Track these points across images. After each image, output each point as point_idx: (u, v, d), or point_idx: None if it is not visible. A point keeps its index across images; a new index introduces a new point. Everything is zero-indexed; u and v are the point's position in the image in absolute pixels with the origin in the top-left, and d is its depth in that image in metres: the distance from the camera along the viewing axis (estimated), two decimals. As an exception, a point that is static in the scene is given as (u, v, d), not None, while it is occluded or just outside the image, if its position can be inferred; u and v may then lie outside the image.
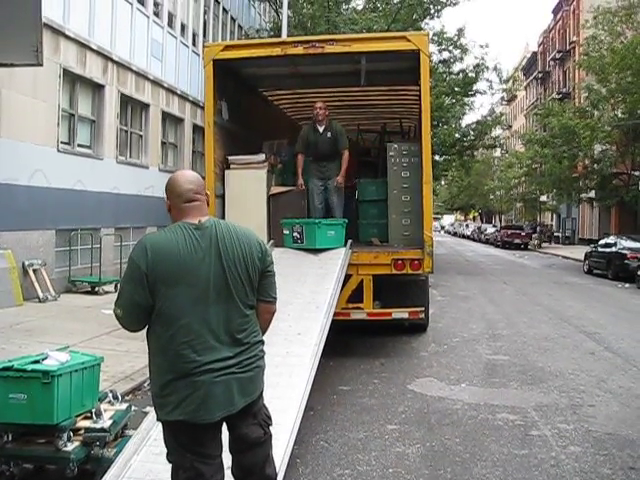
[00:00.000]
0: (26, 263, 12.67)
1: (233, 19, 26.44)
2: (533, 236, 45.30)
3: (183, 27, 21.30)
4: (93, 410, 4.65)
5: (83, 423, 4.55)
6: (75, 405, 4.46)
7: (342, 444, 5.51)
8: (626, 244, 22.13)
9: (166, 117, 19.94)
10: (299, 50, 8.70)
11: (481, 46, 34.12)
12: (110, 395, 5.06)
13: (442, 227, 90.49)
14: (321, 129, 9.25)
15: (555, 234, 48.54)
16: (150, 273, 2.92)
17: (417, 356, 8.94)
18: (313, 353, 5.63)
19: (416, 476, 4.86)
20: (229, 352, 2.99)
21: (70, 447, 4.37)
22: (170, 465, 3.14)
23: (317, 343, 5.81)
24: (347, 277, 8.10)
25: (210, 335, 2.96)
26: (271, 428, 3.28)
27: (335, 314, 6.94)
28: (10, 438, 4.42)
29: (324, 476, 4.84)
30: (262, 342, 3.20)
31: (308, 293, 6.93)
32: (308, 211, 9.26)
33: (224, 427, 3.15)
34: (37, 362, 4.45)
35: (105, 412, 4.72)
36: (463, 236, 66.81)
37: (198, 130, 21.62)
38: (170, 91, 19.96)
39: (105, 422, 4.57)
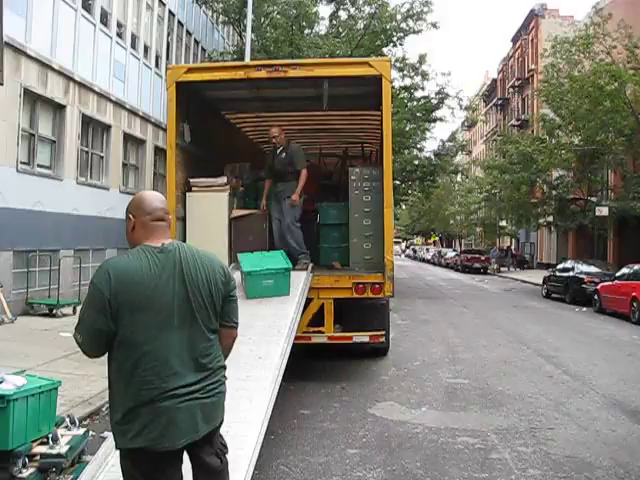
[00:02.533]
0: (-18, 285, 12.43)
1: (197, 42, 26.51)
2: (493, 260, 45.75)
3: (146, 49, 21.29)
4: (50, 435, 4.59)
5: (39, 449, 4.47)
6: (31, 430, 4.39)
7: (303, 469, 5.49)
8: (583, 268, 22.54)
9: (128, 138, 19.83)
10: (262, 74, 8.74)
11: (443, 74, 34.66)
12: (67, 420, 4.98)
13: (403, 251, 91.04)
14: (279, 151, 9.30)
15: (520, 258, 48.62)
16: (113, 299, 2.84)
17: (378, 380, 8.96)
18: (274, 377, 5.60)
19: (376, 501, 4.86)
20: (193, 378, 2.94)
21: (25, 473, 4.31)
22: None
23: (278, 367, 5.78)
24: (308, 301, 8.10)
25: (175, 361, 2.90)
26: (227, 456, 3.26)
27: (296, 338, 6.90)
28: (-37, 465, 4.32)
29: (284, 502, 4.81)
30: (224, 367, 3.16)
31: (269, 316, 6.90)
32: (270, 234, 9.28)
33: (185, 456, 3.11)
34: (-8, 386, 4.37)
35: (62, 437, 4.65)
36: (423, 260, 67.30)
37: (160, 152, 21.52)
38: (132, 112, 19.89)
39: (62, 447, 4.50)
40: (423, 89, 27.66)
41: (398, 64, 25.96)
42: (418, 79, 27.12)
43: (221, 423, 3.16)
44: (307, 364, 9.26)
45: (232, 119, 11.75)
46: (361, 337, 8.78)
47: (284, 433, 6.36)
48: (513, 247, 51.97)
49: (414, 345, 12.07)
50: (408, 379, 9.07)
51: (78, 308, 14.11)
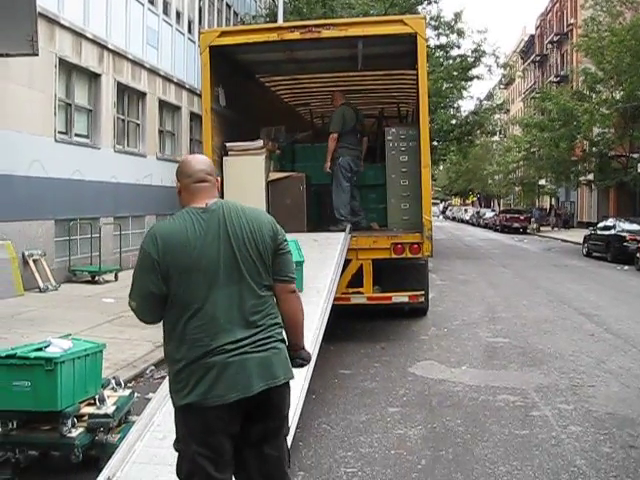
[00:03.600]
0: (26, 253, 12.69)
1: (229, 6, 26.31)
2: (533, 220, 45.07)
3: (178, 14, 21.20)
4: (96, 396, 4.68)
5: (87, 409, 4.57)
6: (78, 392, 4.49)
7: (344, 427, 5.55)
8: (625, 226, 22.14)
9: (163, 105, 19.89)
10: (295, 35, 8.66)
11: (479, 31, 33.97)
12: (113, 382, 5.08)
13: (442, 212, 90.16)
14: None
15: (565, 217, 47.10)
16: (162, 261, 2.88)
17: (417, 339, 8.98)
18: (314, 337, 5.65)
19: (418, 457, 4.90)
20: (243, 334, 2.89)
21: (74, 433, 4.40)
22: (173, 450, 3.05)
23: (318, 327, 5.83)
24: (346, 262, 8.12)
25: (224, 318, 2.89)
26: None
27: (335, 299, 6.96)
28: (15, 425, 4.44)
29: (327, 458, 4.88)
30: (279, 325, 3.04)
31: (308, 278, 6.93)
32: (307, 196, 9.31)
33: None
34: (40, 350, 4.48)
35: (108, 398, 4.74)
36: (462, 221, 66.74)
37: (195, 118, 21.59)
38: (167, 79, 19.91)
39: (109, 408, 4.59)
40: (459, 47, 27.13)
41: (433, 22, 25.48)
42: (454, 37, 26.62)
43: (286, 386, 3.02)
44: (347, 325, 9.31)
45: (266, 82, 11.69)
46: (400, 297, 8.78)
47: (325, 392, 6.43)
48: (555, 206, 51.11)
49: (453, 305, 12.05)
50: (448, 338, 9.08)
51: (120, 275, 14.40)
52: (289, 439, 4.28)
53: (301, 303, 3.21)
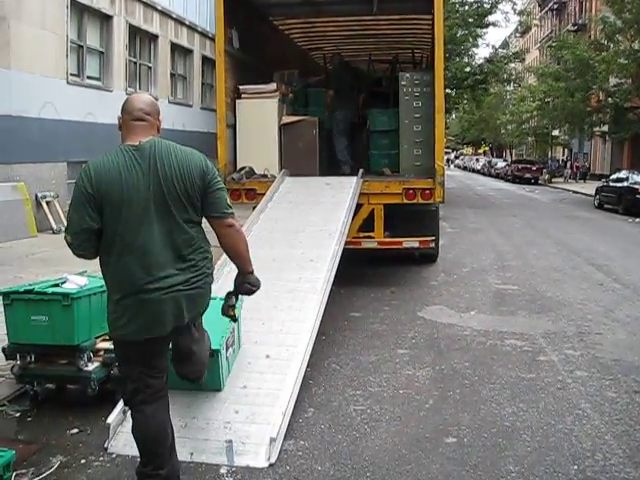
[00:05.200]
0: (39, 195, 12.78)
1: (241, -53, 25.75)
2: (545, 171, 44.63)
3: (191, -45, 20.83)
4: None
5: (102, 344, 4.67)
6: (94, 327, 4.58)
7: (353, 367, 5.65)
8: (638, 179, 21.90)
9: (175, 48, 19.69)
10: (310, -24, 8.53)
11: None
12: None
13: (455, 158, 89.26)
14: None
15: (583, 169, 46.19)
16: (96, 194, 3.01)
17: (427, 285, 9.06)
18: (325, 279, 5.72)
19: (426, 397, 4.99)
20: (174, 269, 3.11)
21: (91, 367, 4.52)
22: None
23: (329, 269, 5.90)
24: (358, 206, 8.12)
25: (155, 252, 3.07)
26: (209, 348, 3.80)
27: (346, 242, 7.01)
28: (33, 359, 4.57)
29: (336, 396, 4.98)
30: (209, 259, 3.29)
31: (320, 221, 6.98)
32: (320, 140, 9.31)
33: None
34: (57, 285, 4.57)
35: (123, 334, 4.84)
36: (473, 170, 66.29)
37: (207, 62, 21.37)
38: (179, 22, 19.66)
39: (124, 343, 4.69)
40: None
41: (449, -34, 24.93)
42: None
43: (204, 311, 3.43)
44: (357, 269, 9.38)
45: (280, 25, 11.53)
46: (411, 242, 8.81)
47: (335, 334, 6.52)
48: (570, 157, 50.51)
49: (463, 252, 12.08)
50: (457, 284, 9.14)
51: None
52: (300, 377, 4.42)
53: (242, 234, 3.41)
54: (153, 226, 3.06)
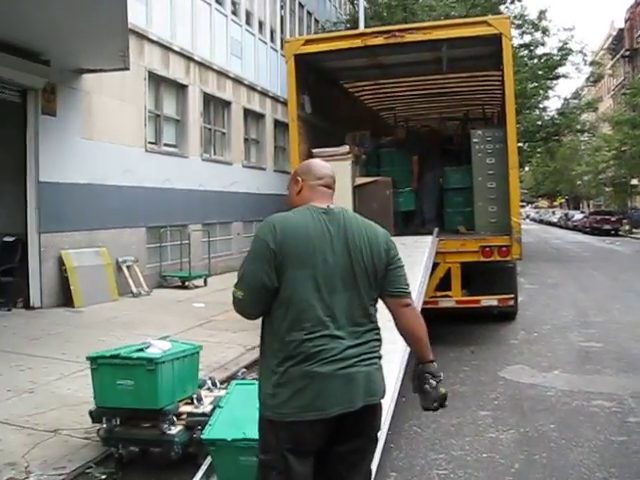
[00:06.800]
0: (120, 260, 13.16)
1: (309, 13, 26.59)
2: (625, 222, 43.40)
3: (261, 24, 21.58)
4: (194, 396, 4.85)
5: (185, 408, 4.74)
6: (177, 391, 4.67)
7: (435, 430, 5.54)
8: None
9: (248, 114, 20.26)
10: (379, 40, 8.72)
11: (565, 29, 33.12)
12: (209, 382, 5.24)
13: (527, 215, 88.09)
14: None
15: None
16: (278, 252, 2.74)
17: (507, 344, 8.86)
18: (404, 342, 5.65)
19: (511, 461, 4.85)
20: (349, 344, 2.76)
21: (174, 431, 4.58)
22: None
23: (408, 331, 5.84)
24: (434, 265, 8.09)
25: (331, 324, 2.74)
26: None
27: (424, 302, 6.95)
28: (118, 422, 4.67)
29: (418, 460, 4.89)
30: (380, 341, 2.92)
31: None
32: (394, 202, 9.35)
33: None
34: (141, 350, 4.68)
35: (205, 398, 4.90)
36: (549, 223, 65.08)
37: (279, 125, 21.91)
38: (251, 88, 20.28)
39: (206, 407, 4.74)
40: (544, 45, 26.58)
41: (516, 21, 25.05)
42: (538, 35, 26.10)
43: (379, 405, 2.89)
44: (435, 329, 9.18)
45: (350, 88, 11.79)
46: (489, 300, 8.68)
47: (415, 396, 6.36)
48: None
49: (543, 309, 11.80)
50: (538, 343, 8.91)
51: (208, 280, 14.72)
52: (381, 441, 4.34)
53: (419, 317, 3.05)
54: (334, 296, 2.77)
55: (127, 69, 11.84)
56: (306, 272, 2.76)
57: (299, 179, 3.02)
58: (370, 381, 2.78)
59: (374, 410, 2.85)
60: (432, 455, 4.99)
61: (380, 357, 2.90)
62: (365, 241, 2.87)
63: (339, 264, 2.80)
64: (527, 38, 26.36)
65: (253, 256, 2.83)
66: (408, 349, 5.49)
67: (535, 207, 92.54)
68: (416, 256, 7.68)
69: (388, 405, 4.69)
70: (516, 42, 24.98)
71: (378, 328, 2.91)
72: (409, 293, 3.03)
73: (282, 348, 2.75)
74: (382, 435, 4.46)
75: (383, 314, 6.22)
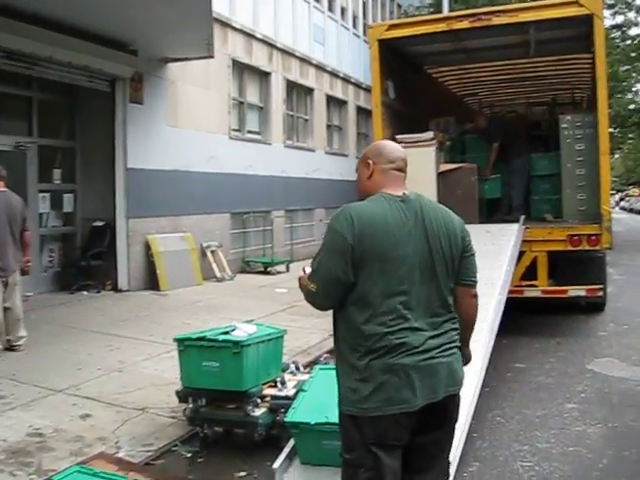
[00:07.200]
0: (204, 245, 13.44)
1: (392, -1, 26.35)
2: None
3: (343, 10, 21.51)
4: (278, 379, 4.91)
5: (269, 391, 4.82)
6: (262, 374, 4.74)
7: (519, 421, 5.44)
8: None
9: (330, 100, 20.29)
10: (465, 24, 8.55)
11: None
12: (292, 366, 5.30)
13: (617, 203, 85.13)
14: None
15: None
16: (356, 246, 2.62)
17: (595, 335, 8.58)
18: (489, 329, 5.58)
19: (599, 456, 4.71)
20: (429, 335, 2.69)
21: (258, 413, 4.66)
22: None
23: (493, 318, 5.76)
24: (520, 254, 7.92)
25: (411, 316, 2.66)
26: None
27: (509, 291, 6.83)
28: (204, 402, 4.78)
29: (502, 451, 4.81)
30: (458, 330, 2.84)
31: (481, 270, 6.81)
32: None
33: None
34: (227, 333, 4.76)
35: (289, 381, 4.96)
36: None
37: (361, 112, 21.86)
38: (333, 74, 20.28)
39: (289, 390, 4.80)
40: (637, 25, 25.50)
41: (609, 1, 24.12)
42: (631, 15, 25.04)
43: (459, 396, 2.84)
44: (519, 319, 9.06)
45: (434, 73, 11.63)
46: (577, 291, 8.44)
47: (499, 386, 6.32)
48: None
49: (634, 300, 11.33)
50: (628, 335, 8.58)
51: (291, 266, 14.85)
52: (465, 430, 4.30)
53: (478, 307, 3.04)
54: (414, 287, 2.68)
55: (212, 57, 12.04)
56: (385, 265, 2.65)
57: (370, 162, 2.89)
58: (451, 371, 2.73)
59: (454, 400, 2.80)
60: (516, 446, 4.90)
61: (459, 347, 2.83)
62: (443, 229, 2.78)
63: (418, 255, 2.70)
64: (620, 18, 25.38)
65: (328, 249, 2.73)
66: (492, 341, 5.47)
67: (625, 195, 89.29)
68: (502, 244, 7.54)
69: (472, 394, 4.64)
70: (608, 23, 24.10)
71: (455, 317, 2.84)
72: (477, 283, 2.97)
73: (362, 342, 2.66)
74: (465, 424, 4.42)
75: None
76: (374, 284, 2.65)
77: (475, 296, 2.98)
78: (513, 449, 4.85)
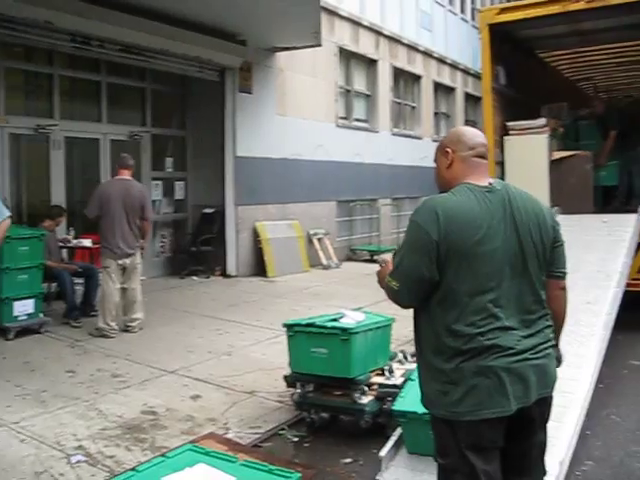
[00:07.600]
0: (311, 232, 13.60)
1: (503, -18, 25.64)
2: None
3: (451, -5, 21.17)
4: (385, 367, 4.92)
5: (376, 379, 4.83)
6: (369, 361, 4.76)
7: (636, 420, 5.24)
8: None
9: (438, 87, 20.03)
10: (580, 5, 8.19)
11: None
12: (400, 355, 5.29)
13: None
14: None
15: None
16: (442, 243, 2.48)
17: None
18: (604, 323, 5.39)
19: None
20: (521, 335, 2.54)
21: (365, 400, 4.68)
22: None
23: (609, 312, 5.56)
24: (639, 245, 7.57)
25: (501, 315, 2.51)
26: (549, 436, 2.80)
27: (626, 285, 6.56)
28: (311, 388, 4.86)
29: (617, 451, 4.64)
30: (552, 327, 2.69)
31: (596, 261, 6.60)
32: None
33: None
34: (335, 320, 4.81)
35: (396, 370, 4.96)
36: None
37: (469, 99, 21.47)
38: (440, 61, 19.99)
39: (397, 379, 4.80)
40: None
41: None
42: None
43: (551, 397, 2.71)
44: (636, 314, 8.66)
45: (546, 57, 11.22)
46: None
47: (613, 383, 6.08)
48: None
49: None
50: None
51: (397, 254, 14.80)
52: (578, 427, 4.17)
53: (567, 300, 2.85)
54: (503, 283, 2.53)
55: (319, 46, 12.13)
56: (474, 262, 2.51)
57: (449, 150, 2.73)
58: (545, 373, 2.60)
59: (547, 403, 2.69)
60: (633, 447, 4.70)
61: (554, 346, 2.69)
62: (533, 219, 2.62)
63: (508, 249, 2.55)
64: None
65: (411, 246, 2.60)
66: (607, 336, 5.27)
67: None
68: (618, 235, 7.23)
69: (586, 391, 4.51)
70: None
71: (549, 313, 2.68)
72: (566, 274, 2.80)
73: (449, 344, 2.53)
74: (578, 422, 4.30)
75: (580, 295, 5.94)
76: (461, 282, 2.51)
77: (564, 289, 2.81)
78: (629, 449, 4.67)
